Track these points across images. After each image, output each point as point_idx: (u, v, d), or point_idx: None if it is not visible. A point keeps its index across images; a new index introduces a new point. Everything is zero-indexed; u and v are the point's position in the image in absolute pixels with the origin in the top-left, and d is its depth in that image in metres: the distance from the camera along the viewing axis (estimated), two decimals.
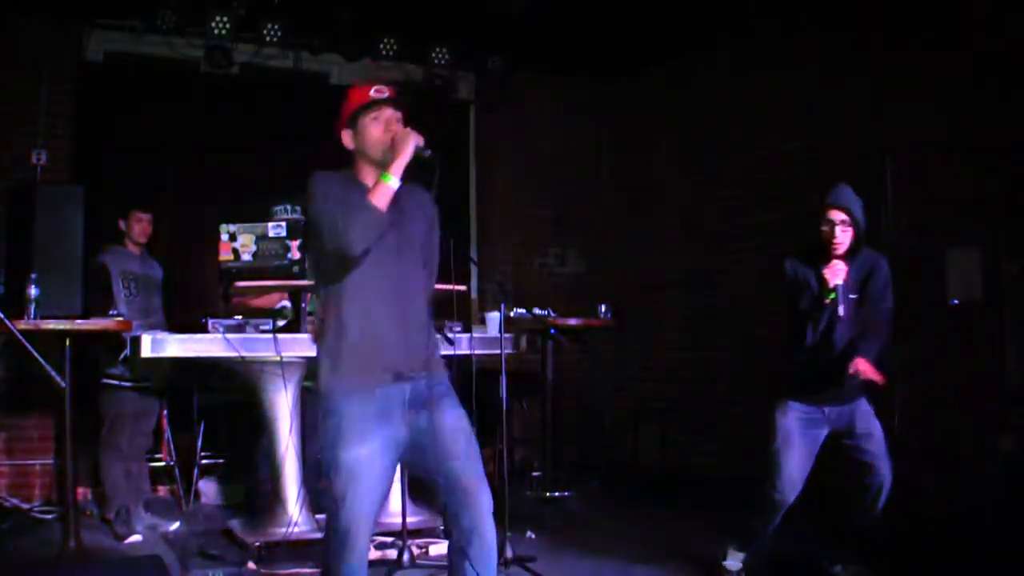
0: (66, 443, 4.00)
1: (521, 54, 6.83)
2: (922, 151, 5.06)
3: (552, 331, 5.37)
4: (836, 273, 3.55)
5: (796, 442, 3.64)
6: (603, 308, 5.65)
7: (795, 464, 3.64)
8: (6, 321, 3.59)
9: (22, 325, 3.68)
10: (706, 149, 6.70)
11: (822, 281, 3.57)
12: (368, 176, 2.63)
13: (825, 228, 3.58)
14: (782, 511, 3.70)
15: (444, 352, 4.28)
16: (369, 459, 2.51)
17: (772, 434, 3.68)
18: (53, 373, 3.78)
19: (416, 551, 4.01)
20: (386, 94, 2.64)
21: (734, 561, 3.83)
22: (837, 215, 3.56)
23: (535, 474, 6.13)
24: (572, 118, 7.51)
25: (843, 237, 3.56)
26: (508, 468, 4.23)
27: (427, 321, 2.71)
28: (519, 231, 7.34)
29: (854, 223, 3.56)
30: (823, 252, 3.60)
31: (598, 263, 7.47)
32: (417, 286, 2.69)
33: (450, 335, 4.24)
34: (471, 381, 4.50)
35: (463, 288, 5.17)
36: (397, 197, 2.53)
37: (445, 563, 3.94)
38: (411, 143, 2.52)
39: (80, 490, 5.04)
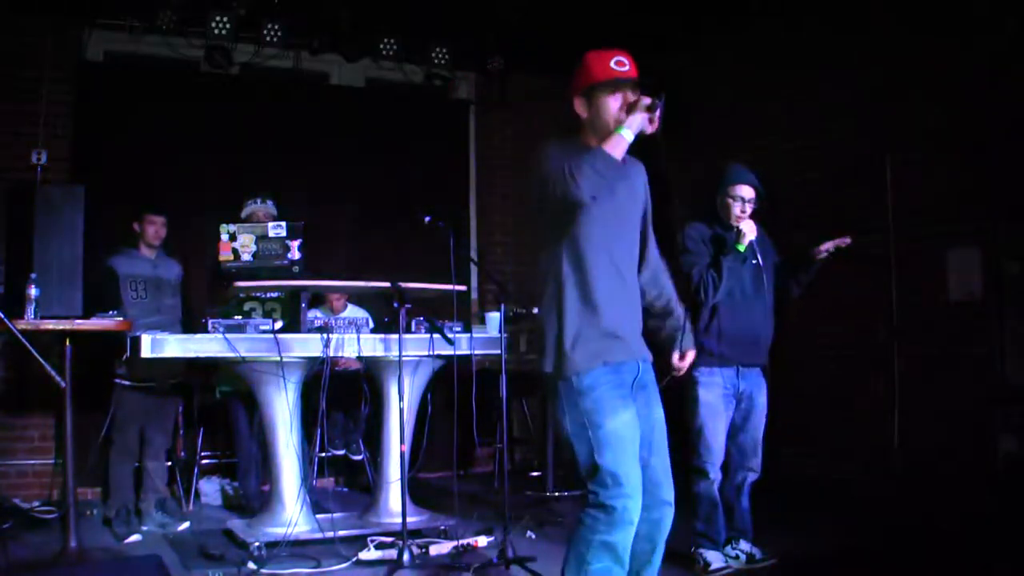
0: (66, 443, 3.99)
1: (521, 54, 6.83)
2: (922, 151, 5.06)
3: None
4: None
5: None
6: None
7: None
8: (6, 321, 3.59)
9: (22, 325, 3.67)
10: (705, 148, 6.69)
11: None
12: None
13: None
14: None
15: (444, 352, 4.33)
16: (632, 424, 2.49)
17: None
18: (53, 373, 3.78)
19: (416, 551, 4.01)
20: (627, 68, 2.58)
21: (717, 561, 3.84)
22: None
23: (535, 474, 6.13)
24: (572, 118, 7.49)
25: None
26: (508, 468, 4.23)
27: (639, 298, 2.69)
28: (519, 231, 7.34)
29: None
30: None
31: None
32: (636, 259, 2.69)
33: (450, 335, 4.24)
34: (471, 381, 4.52)
35: (463, 288, 5.16)
36: (632, 170, 2.60)
37: (445, 563, 3.99)
38: (642, 104, 2.50)
39: (82, 490, 5.05)
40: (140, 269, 4.89)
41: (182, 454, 5.46)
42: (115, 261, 4.83)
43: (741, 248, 3.79)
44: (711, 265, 3.81)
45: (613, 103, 2.57)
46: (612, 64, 2.57)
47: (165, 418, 4.97)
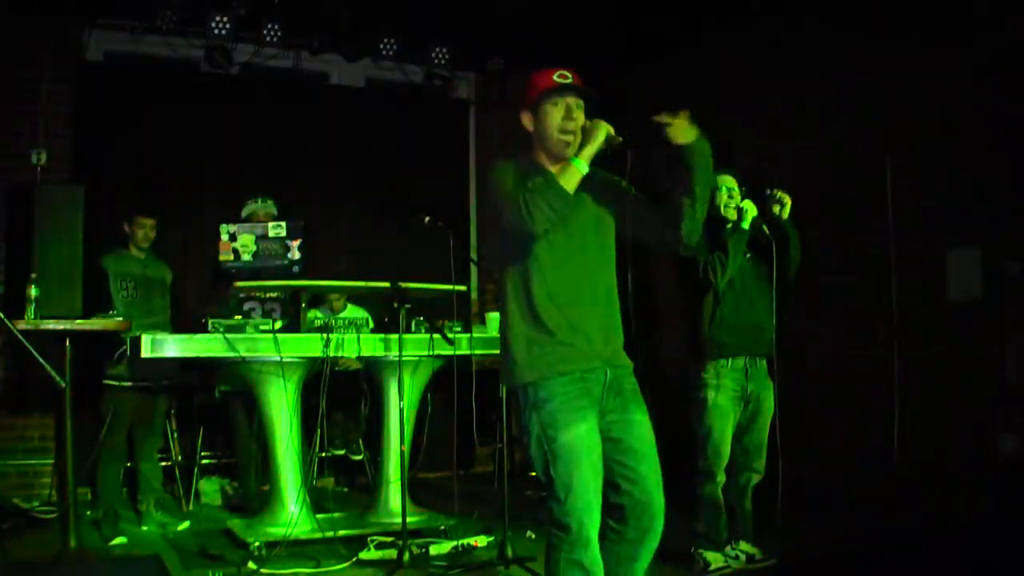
0: (66, 443, 3.99)
1: (521, 54, 6.82)
2: (922, 151, 5.06)
3: None
4: None
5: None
6: None
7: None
8: (6, 321, 3.59)
9: (22, 325, 3.68)
10: None
11: None
12: (546, 162, 2.59)
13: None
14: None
15: (443, 352, 4.33)
16: (589, 437, 2.43)
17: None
18: (53, 373, 3.78)
19: (416, 551, 4.01)
20: (569, 80, 2.58)
21: (717, 561, 3.84)
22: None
23: (534, 474, 6.12)
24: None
25: None
26: (508, 468, 4.23)
27: (613, 309, 2.64)
28: None
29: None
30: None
31: None
32: (605, 274, 2.63)
33: (450, 335, 4.24)
34: (471, 381, 4.52)
35: (463, 288, 5.16)
36: (585, 185, 2.48)
37: (445, 563, 3.99)
38: (602, 131, 2.48)
39: (81, 490, 5.05)
40: (130, 268, 4.92)
41: (181, 457, 5.45)
42: (106, 259, 4.87)
43: (746, 225, 3.82)
44: (716, 246, 3.81)
45: (555, 112, 2.56)
46: (555, 76, 2.58)
47: (156, 418, 4.98)
